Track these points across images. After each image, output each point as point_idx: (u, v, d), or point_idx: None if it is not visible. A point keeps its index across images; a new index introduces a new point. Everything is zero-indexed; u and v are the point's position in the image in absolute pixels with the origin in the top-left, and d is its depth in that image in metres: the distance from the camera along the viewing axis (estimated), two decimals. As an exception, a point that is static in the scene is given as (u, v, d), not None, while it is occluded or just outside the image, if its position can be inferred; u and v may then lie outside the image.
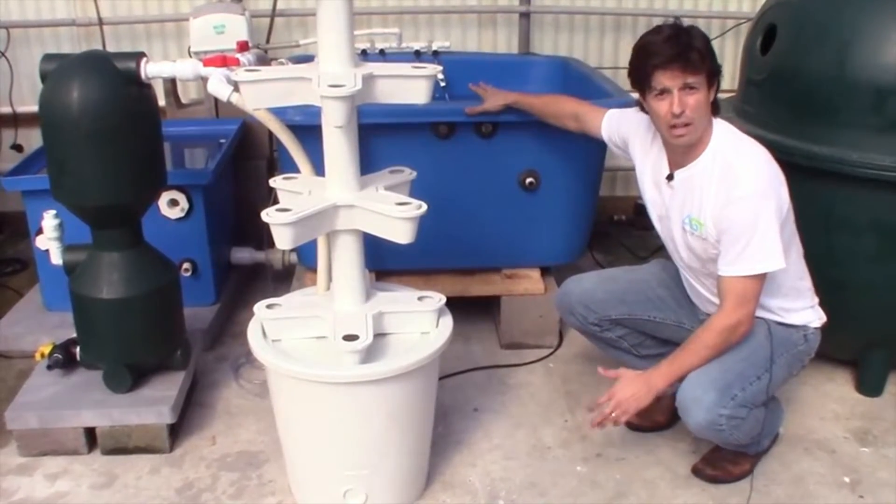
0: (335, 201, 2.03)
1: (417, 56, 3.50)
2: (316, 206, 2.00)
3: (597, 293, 2.43)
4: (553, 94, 2.81)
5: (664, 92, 2.04)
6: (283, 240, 1.95)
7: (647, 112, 2.17)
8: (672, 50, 2.00)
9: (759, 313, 2.19)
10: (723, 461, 2.36)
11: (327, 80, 1.90)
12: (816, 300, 2.29)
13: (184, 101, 3.69)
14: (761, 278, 2.08)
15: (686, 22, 2.10)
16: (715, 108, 2.12)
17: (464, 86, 3.43)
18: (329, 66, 1.98)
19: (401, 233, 1.99)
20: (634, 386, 2.13)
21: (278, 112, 2.28)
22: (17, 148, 3.86)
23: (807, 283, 2.27)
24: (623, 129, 2.38)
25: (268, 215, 1.94)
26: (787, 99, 2.63)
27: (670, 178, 2.20)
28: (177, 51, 3.92)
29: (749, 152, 2.12)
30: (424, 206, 2.00)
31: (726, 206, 2.05)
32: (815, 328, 2.26)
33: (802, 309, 2.25)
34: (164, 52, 3.93)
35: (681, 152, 2.15)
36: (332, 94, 1.87)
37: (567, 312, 2.50)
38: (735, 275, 2.07)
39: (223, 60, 2.26)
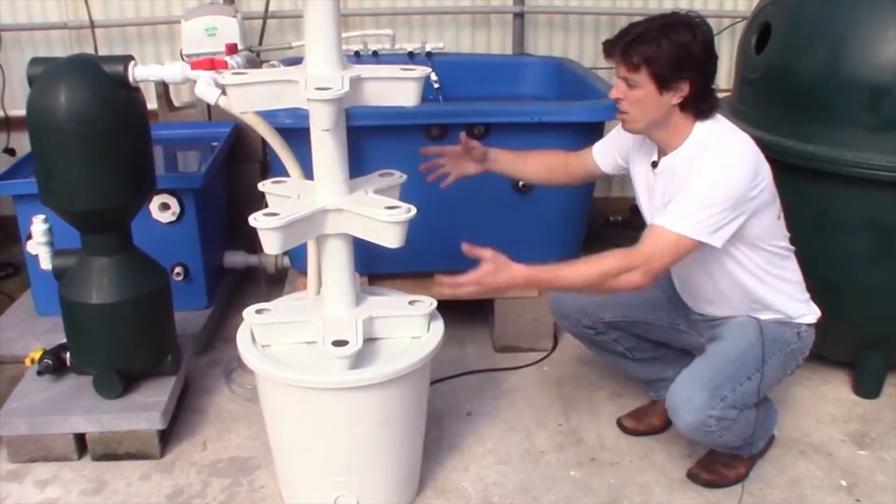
0: (323, 205, 2.01)
1: (411, 57, 3.48)
2: (304, 210, 1.98)
3: (590, 296, 2.40)
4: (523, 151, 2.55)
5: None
6: (271, 244, 1.94)
7: None
8: (615, 41, 2.00)
9: (751, 311, 2.18)
10: (718, 465, 2.34)
11: (314, 82, 1.88)
12: (808, 295, 2.25)
13: (176, 104, 3.67)
14: (681, 242, 1.96)
15: None
16: (697, 112, 2.04)
17: (458, 87, 3.44)
18: (316, 68, 1.95)
19: (390, 237, 1.97)
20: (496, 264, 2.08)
21: (269, 115, 2.26)
22: (10, 152, 3.86)
23: (797, 275, 2.23)
24: (620, 142, 2.31)
25: (255, 220, 1.92)
26: (782, 98, 2.61)
27: (655, 164, 2.17)
28: (169, 53, 3.90)
29: (730, 141, 2.05)
30: (414, 210, 1.98)
31: (691, 176, 1.99)
32: (809, 325, 2.23)
33: (795, 301, 2.21)
34: (156, 55, 3.91)
35: (659, 139, 2.11)
36: (319, 97, 1.85)
37: (561, 316, 2.49)
38: (659, 223, 1.98)
39: (211, 63, 2.24)
